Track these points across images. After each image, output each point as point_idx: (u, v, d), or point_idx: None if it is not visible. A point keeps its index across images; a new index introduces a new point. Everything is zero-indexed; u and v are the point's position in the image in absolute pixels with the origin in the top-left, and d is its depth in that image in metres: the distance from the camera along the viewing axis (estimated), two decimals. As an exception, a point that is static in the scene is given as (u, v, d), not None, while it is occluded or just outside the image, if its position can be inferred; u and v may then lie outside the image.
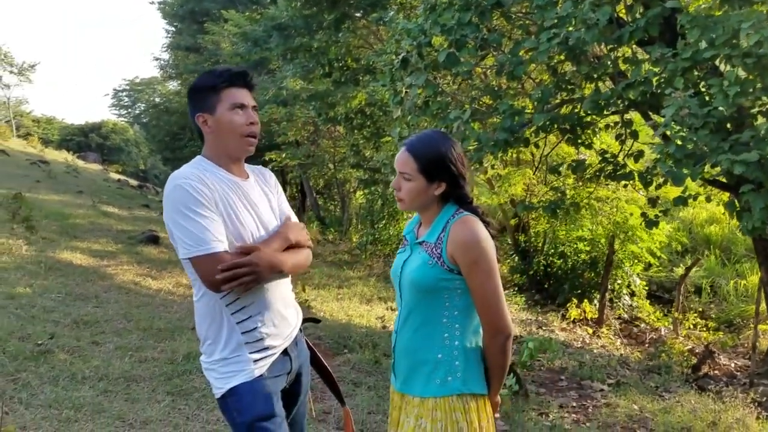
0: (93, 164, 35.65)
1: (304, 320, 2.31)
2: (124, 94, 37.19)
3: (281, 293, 2.09)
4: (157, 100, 30.80)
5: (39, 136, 41.46)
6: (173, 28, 28.12)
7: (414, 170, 1.96)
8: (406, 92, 6.00)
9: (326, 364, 2.37)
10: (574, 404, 5.08)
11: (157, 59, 33.89)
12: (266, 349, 2.01)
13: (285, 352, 2.09)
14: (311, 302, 7.06)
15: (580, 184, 8.11)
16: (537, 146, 7.43)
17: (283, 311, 2.08)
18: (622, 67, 5.08)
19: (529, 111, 5.52)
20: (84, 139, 47.98)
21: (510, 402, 4.54)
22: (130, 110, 37.66)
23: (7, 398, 3.50)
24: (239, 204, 2.00)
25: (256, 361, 1.98)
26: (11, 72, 37.13)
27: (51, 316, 5.21)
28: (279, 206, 2.22)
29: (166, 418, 3.60)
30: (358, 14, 10.57)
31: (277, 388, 2.05)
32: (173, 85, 30.41)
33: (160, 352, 4.73)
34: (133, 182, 30.99)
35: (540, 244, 11.68)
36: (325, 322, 6.25)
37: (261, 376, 1.99)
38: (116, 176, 31.89)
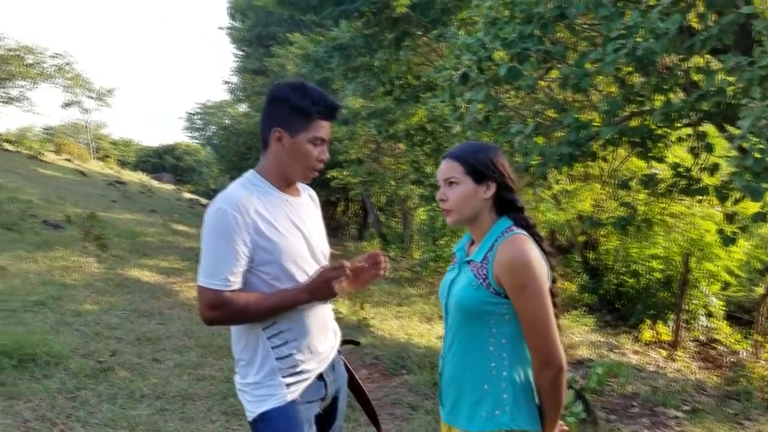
0: (167, 184, 37.00)
1: (343, 342, 2.24)
2: (197, 117, 38.59)
3: (321, 316, 2.03)
4: (227, 122, 31.75)
5: (117, 158, 43.33)
6: (242, 53, 29.00)
7: (460, 173, 1.85)
8: (466, 107, 5.90)
9: (363, 386, 2.28)
10: (647, 432, 4.80)
11: (226, 83, 34.96)
12: (300, 373, 1.95)
13: (320, 377, 2.02)
14: (370, 320, 6.98)
15: (653, 199, 7.77)
16: (605, 160, 7.18)
17: (320, 335, 2.01)
18: (695, 77, 4.83)
19: (596, 124, 5.32)
20: (159, 161, 49.89)
21: (578, 430, 4.31)
22: (202, 132, 39.00)
23: (64, 417, 3.55)
24: (287, 222, 1.95)
25: (288, 385, 1.92)
26: (90, 97, 38.97)
27: (114, 333, 5.32)
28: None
29: (220, 440, 3.58)
30: (418, 32, 10.55)
31: (310, 414, 1.98)
32: (242, 108, 31.33)
33: (218, 370, 4.75)
34: (204, 201, 31.89)
35: (611, 262, 11.28)
36: (383, 342, 6.16)
37: (294, 401, 1.92)
38: (188, 195, 32.91)
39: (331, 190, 21.29)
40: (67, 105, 40.23)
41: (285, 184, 2.00)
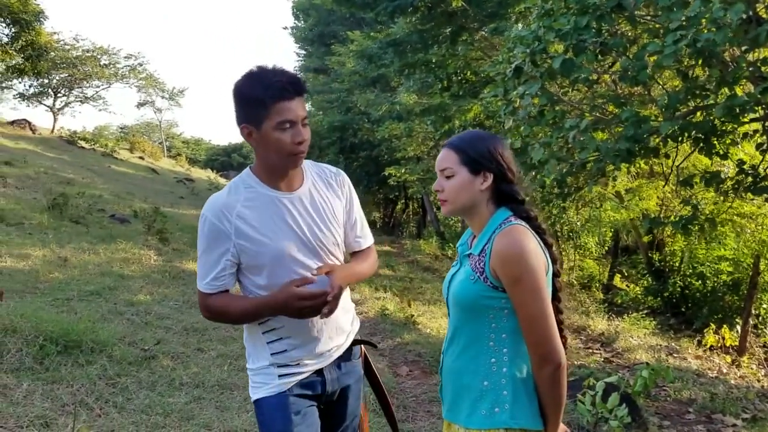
0: (233, 182, 37.96)
1: (358, 342, 2.14)
2: (264, 116, 39.30)
3: None
4: (290, 120, 32.38)
5: (187, 156, 44.69)
6: (304, 52, 29.44)
7: (456, 162, 1.76)
8: (519, 102, 5.76)
9: (384, 387, 2.23)
10: (701, 440, 4.57)
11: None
12: (296, 365, 1.94)
13: (320, 373, 1.98)
14: (418, 318, 6.91)
15: (721, 198, 7.40)
16: (668, 156, 6.88)
17: (322, 333, 1.95)
18: (764, 69, 4.56)
19: (659, 119, 5.10)
20: (227, 159, 51.27)
21: (624, 435, 4.13)
22: (268, 131, 39.71)
23: (102, 402, 3.63)
24: (276, 222, 1.89)
25: (281, 376, 1.93)
26: (162, 97, 40.34)
27: (163, 323, 5.41)
28: (349, 212, 2.09)
29: (251, 429, 3.59)
30: (475, 26, 10.39)
31: (301, 406, 1.94)
32: (305, 107, 31.99)
33: (259, 362, 4.77)
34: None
35: (676, 264, 10.87)
36: (428, 339, 6.08)
37: (284, 392, 1.93)
38: (253, 193, 33.60)
39: (389, 188, 21.30)
40: (141, 105, 41.89)
41: (275, 177, 1.92)
